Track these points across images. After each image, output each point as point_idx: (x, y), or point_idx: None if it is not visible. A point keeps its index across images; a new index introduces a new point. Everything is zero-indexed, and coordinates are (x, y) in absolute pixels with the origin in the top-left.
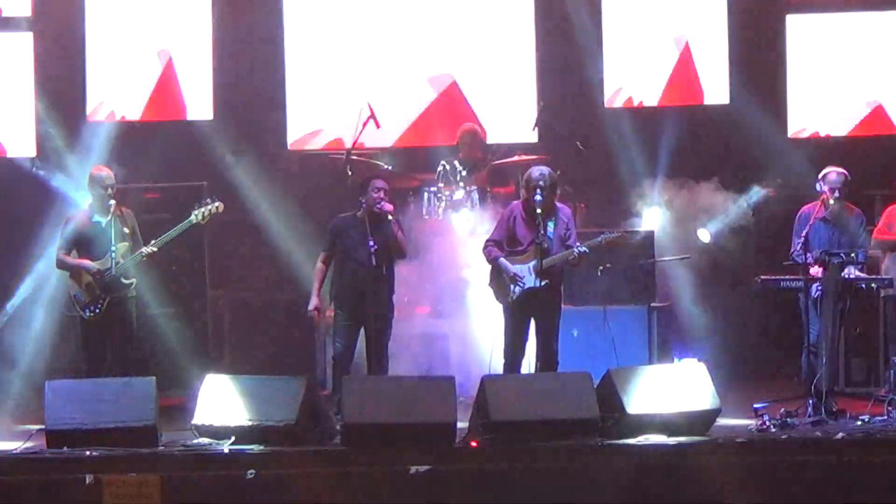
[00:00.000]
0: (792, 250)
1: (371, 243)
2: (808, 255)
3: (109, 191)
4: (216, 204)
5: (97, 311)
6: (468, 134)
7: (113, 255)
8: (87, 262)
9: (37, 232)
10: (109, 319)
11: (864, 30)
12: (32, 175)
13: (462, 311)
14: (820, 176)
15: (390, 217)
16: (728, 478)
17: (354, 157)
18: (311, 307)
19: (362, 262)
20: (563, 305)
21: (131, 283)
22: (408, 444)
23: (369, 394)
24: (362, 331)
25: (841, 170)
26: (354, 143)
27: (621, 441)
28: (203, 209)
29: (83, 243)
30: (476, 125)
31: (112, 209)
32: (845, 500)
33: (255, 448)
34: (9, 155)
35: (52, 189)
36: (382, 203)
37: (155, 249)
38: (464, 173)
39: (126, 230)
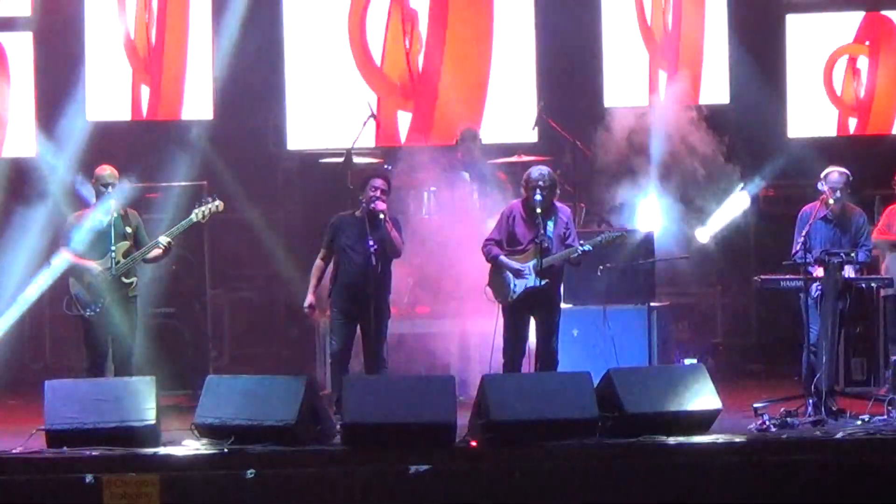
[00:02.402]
0: (793, 250)
1: (371, 243)
2: (809, 254)
3: (109, 189)
4: (216, 203)
5: (98, 309)
6: (468, 135)
7: (113, 254)
8: (90, 263)
9: (37, 231)
10: (110, 318)
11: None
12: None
13: (462, 311)
14: (822, 175)
15: (382, 216)
16: (728, 478)
17: (354, 157)
18: (306, 304)
19: (360, 262)
20: (562, 305)
21: (132, 283)
22: (408, 444)
23: (369, 394)
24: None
25: (843, 169)
26: (354, 143)
27: (621, 441)
28: (203, 208)
29: (85, 242)
30: (474, 128)
31: (114, 209)
32: (845, 500)
33: (255, 448)
34: (8, 155)
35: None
36: (376, 202)
37: (171, 240)
38: (463, 173)
39: (129, 230)
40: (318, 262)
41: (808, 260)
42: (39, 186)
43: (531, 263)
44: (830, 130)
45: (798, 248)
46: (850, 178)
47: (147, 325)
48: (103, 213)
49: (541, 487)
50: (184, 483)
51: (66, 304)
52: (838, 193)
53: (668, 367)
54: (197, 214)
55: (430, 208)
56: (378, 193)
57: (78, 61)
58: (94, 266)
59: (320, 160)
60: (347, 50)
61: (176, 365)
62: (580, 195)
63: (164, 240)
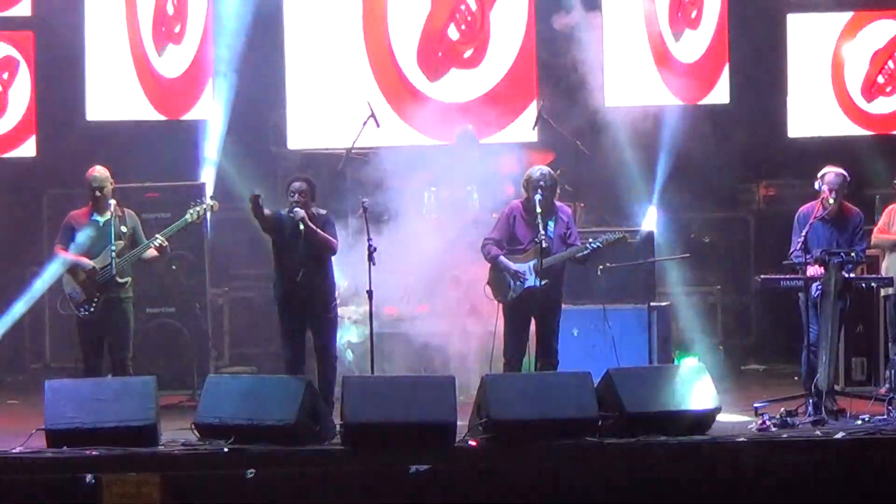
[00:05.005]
0: (791, 250)
1: (370, 243)
2: (808, 255)
3: (97, 192)
4: (211, 202)
5: (91, 309)
6: (465, 134)
7: (113, 254)
8: (83, 259)
9: (37, 231)
10: (105, 319)
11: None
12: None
13: (462, 310)
14: (819, 175)
15: (301, 227)
16: (728, 478)
17: (354, 157)
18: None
19: (293, 266)
20: (563, 305)
21: (126, 283)
22: (408, 444)
23: (369, 394)
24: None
25: (840, 170)
26: (354, 143)
27: (621, 441)
28: (198, 208)
29: (81, 242)
30: (471, 126)
31: (111, 209)
32: (845, 500)
33: (255, 448)
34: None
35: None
36: (294, 209)
37: (166, 242)
38: (462, 172)
39: (124, 229)
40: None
41: (806, 260)
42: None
43: (531, 263)
44: (830, 130)
45: (797, 247)
46: (848, 179)
47: (147, 325)
48: (100, 213)
49: (541, 487)
50: (184, 483)
51: (61, 303)
52: (835, 194)
53: (668, 367)
54: (191, 214)
55: (430, 208)
56: (297, 198)
57: (78, 61)
58: (87, 262)
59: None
60: (348, 49)
61: (176, 365)
62: (580, 195)
63: (158, 240)
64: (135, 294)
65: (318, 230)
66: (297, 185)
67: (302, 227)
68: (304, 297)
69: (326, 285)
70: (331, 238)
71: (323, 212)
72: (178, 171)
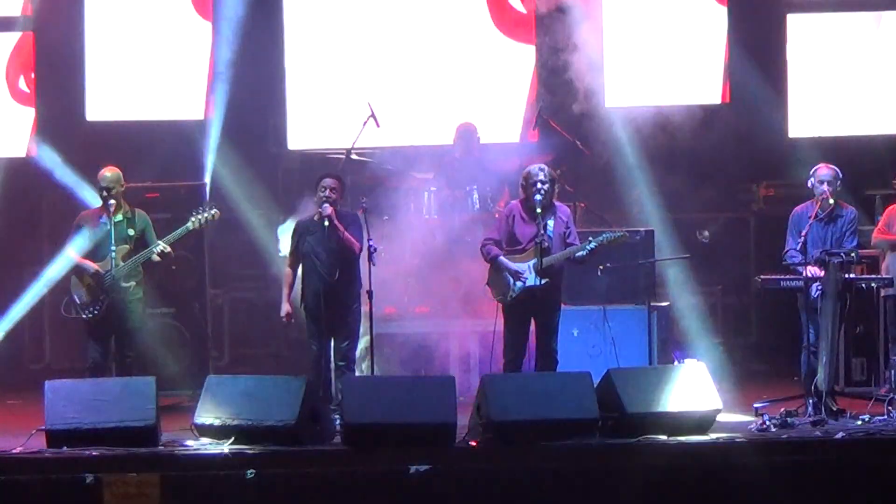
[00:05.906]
0: (786, 249)
1: (371, 243)
2: (806, 255)
3: (104, 192)
4: (213, 211)
5: (96, 312)
6: (466, 132)
7: (113, 255)
8: (86, 263)
9: (36, 232)
10: (111, 319)
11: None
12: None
13: (462, 311)
14: (811, 172)
15: (326, 223)
16: (728, 478)
17: (354, 157)
18: (282, 314)
19: (324, 267)
20: (563, 305)
21: (130, 286)
22: (408, 444)
23: (369, 394)
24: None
25: (831, 165)
26: (354, 143)
27: (621, 441)
28: (200, 216)
29: (88, 244)
30: (473, 123)
31: (112, 210)
32: (845, 500)
33: (255, 448)
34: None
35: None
36: (323, 206)
37: (168, 248)
38: (462, 172)
39: (132, 232)
40: (286, 269)
41: (805, 260)
42: (40, 186)
43: (531, 263)
44: (830, 130)
45: (796, 248)
46: (840, 176)
47: (147, 326)
48: (107, 214)
49: (541, 487)
50: (184, 483)
51: (65, 307)
52: (827, 186)
53: (668, 367)
54: (193, 222)
55: (430, 208)
56: (327, 193)
57: (78, 61)
58: (91, 265)
59: (326, 156)
60: (348, 49)
61: (176, 365)
62: (580, 195)
63: (160, 246)
64: (145, 294)
65: (343, 230)
66: (328, 181)
67: (327, 223)
68: (333, 301)
69: (354, 289)
70: (354, 239)
71: (350, 211)
72: (178, 171)
